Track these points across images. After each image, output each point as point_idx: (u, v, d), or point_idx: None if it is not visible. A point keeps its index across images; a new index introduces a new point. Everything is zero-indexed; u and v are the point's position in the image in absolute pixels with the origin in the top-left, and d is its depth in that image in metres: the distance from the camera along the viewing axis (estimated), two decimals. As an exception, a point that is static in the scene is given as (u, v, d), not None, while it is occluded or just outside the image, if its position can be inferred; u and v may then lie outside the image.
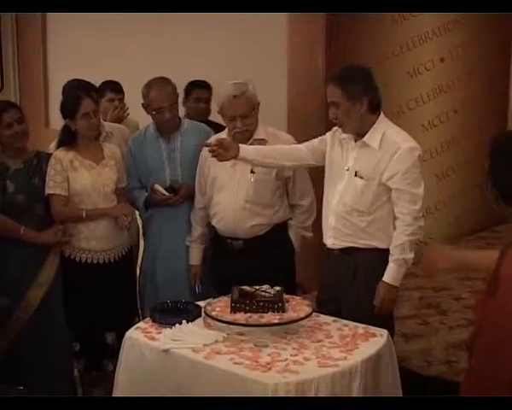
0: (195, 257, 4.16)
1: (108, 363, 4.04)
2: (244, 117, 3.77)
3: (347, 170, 3.49)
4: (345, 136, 3.55)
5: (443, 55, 7.09)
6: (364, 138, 3.45)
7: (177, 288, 4.14)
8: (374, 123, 3.46)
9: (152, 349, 3.03)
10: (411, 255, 3.44)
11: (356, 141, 3.50)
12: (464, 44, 7.27)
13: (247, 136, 3.82)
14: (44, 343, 3.94)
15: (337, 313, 3.40)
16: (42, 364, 3.94)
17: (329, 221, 3.55)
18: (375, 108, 3.47)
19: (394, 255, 3.42)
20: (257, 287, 3.28)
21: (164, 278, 4.27)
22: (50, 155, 4.06)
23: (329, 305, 3.45)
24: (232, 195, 3.87)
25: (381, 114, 3.52)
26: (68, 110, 3.99)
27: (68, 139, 4.01)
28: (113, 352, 3.70)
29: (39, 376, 3.92)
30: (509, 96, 8.34)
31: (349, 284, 3.53)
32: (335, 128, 3.64)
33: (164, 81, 4.22)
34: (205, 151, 3.97)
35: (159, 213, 4.28)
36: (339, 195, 3.51)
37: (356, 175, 3.45)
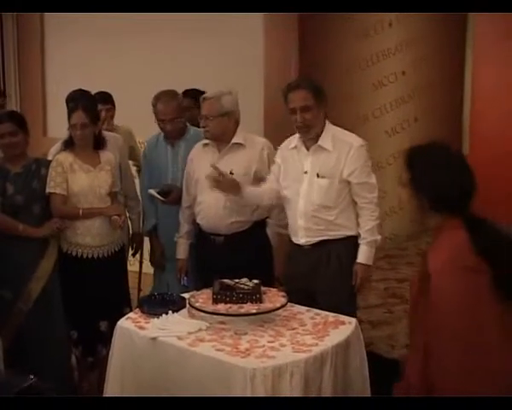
0: (182, 252, 4.14)
1: (102, 349, 4.01)
2: (207, 119, 3.82)
3: (305, 173, 3.54)
4: (292, 145, 3.63)
5: (404, 69, 7.15)
6: (319, 143, 3.53)
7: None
8: (323, 128, 3.55)
9: (141, 337, 3.00)
10: (379, 236, 3.58)
11: (308, 148, 3.56)
12: (423, 59, 7.33)
13: (210, 135, 3.87)
14: (44, 332, 3.91)
15: (305, 301, 3.36)
16: (42, 351, 3.90)
17: (299, 223, 3.58)
18: (326, 115, 3.58)
19: (367, 238, 3.53)
20: (236, 280, 3.25)
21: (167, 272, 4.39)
22: (49, 161, 4.08)
23: (297, 295, 3.39)
24: (214, 194, 3.82)
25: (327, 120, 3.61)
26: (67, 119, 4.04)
27: (69, 143, 4.05)
28: (107, 339, 3.70)
29: (40, 363, 3.87)
30: (463, 105, 8.42)
31: (323, 271, 3.56)
32: (281, 146, 3.74)
33: (170, 95, 4.26)
34: (191, 155, 4.01)
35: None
36: (304, 197, 3.55)
37: (318, 176, 3.51)
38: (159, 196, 4.18)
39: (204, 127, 3.87)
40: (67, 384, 4.02)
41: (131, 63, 6.21)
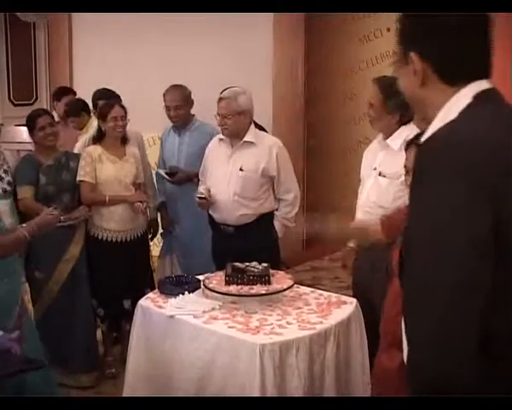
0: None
1: (126, 324, 4.07)
2: (224, 117, 3.71)
3: (374, 169, 3.25)
4: (377, 140, 3.35)
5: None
6: (388, 140, 3.22)
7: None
8: (397, 129, 3.20)
9: (159, 315, 2.99)
10: None
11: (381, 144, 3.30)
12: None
13: (228, 133, 3.77)
14: (72, 310, 3.91)
15: (367, 296, 3.10)
16: (70, 327, 3.91)
17: (358, 216, 3.30)
18: (404, 121, 3.20)
19: None
20: (247, 264, 3.22)
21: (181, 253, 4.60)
22: (76, 154, 4.12)
23: (360, 288, 3.23)
24: (224, 188, 3.77)
25: (410, 123, 3.17)
26: (101, 113, 4.06)
27: (98, 137, 4.06)
28: (130, 315, 3.71)
29: (68, 337, 3.90)
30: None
31: (376, 273, 3.09)
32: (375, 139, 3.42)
33: (176, 86, 4.57)
34: (208, 148, 3.99)
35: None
36: (366, 192, 3.28)
37: (380, 175, 3.21)
38: (166, 176, 4.36)
39: (222, 125, 3.77)
40: (92, 357, 4.02)
41: (148, 64, 6.23)
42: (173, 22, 5.96)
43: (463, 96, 1.38)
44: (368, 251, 3.19)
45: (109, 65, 6.42)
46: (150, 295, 3.24)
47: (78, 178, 3.93)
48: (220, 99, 3.76)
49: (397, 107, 3.15)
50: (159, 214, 4.72)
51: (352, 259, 3.40)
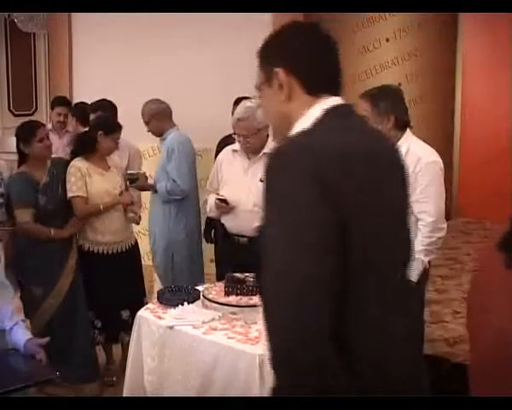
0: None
1: (125, 336, 4.05)
2: (246, 137, 3.62)
3: None
4: None
5: (400, 81, 7.11)
6: None
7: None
8: (399, 139, 3.15)
9: (159, 326, 2.98)
10: (427, 259, 3.22)
11: None
12: (418, 72, 7.31)
13: (250, 151, 3.70)
14: (72, 323, 3.88)
15: None
16: (71, 339, 3.86)
17: None
18: (401, 126, 3.21)
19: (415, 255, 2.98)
20: (246, 274, 3.21)
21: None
22: (62, 160, 4.08)
23: None
24: (243, 199, 3.65)
25: (408, 131, 3.22)
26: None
27: (79, 152, 4.02)
28: (128, 326, 3.70)
29: (67, 348, 3.85)
30: (455, 115, 8.39)
31: None
32: None
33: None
34: (220, 158, 3.90)
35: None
36: None
37: None
38: (127, 182, 4.34)
39: (244, 144, 3.66)
40: (92, 368, 4.00)
41: (148, 74, 6.25)
42: (173, 31, 5.98)
43: (317, 108, 1.55)
44: None
45: (109, 75, 6.44)
46: (149, 305, 3.24)
47: (69, 195, 3.85)
48: (238, 120, 3.62)
49: (388, 108, 3.18)
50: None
51: None
